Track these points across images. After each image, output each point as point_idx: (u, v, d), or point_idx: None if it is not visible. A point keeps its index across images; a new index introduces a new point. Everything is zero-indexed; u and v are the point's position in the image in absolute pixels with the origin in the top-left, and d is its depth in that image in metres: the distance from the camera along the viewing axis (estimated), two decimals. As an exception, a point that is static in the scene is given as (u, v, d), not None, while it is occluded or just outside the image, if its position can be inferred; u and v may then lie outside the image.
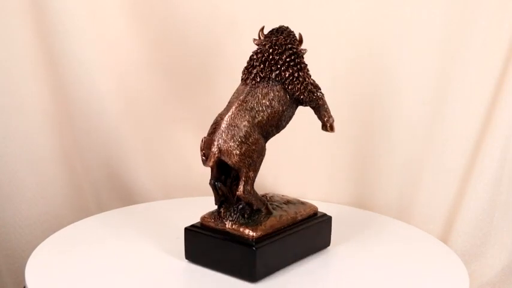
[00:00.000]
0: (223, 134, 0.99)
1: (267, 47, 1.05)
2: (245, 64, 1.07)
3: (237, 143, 0.99)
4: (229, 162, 0.99)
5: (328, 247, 1.15)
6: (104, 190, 1.53)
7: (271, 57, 1.04)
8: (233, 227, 1.02)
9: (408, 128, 1.43)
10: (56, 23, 1.38)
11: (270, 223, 1.04)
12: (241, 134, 0.99)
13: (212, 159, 0.99)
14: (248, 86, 1.04)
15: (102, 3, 1.43)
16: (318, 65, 1.43)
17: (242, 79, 1.07)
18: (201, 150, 0.99)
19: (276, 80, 1.04)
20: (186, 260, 1.06)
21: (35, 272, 1.02)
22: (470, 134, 1.39)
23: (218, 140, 0.99)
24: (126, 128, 1.49)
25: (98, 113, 1.46)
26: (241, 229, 1.01)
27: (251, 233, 1.00)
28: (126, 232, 1.21)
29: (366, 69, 1.42)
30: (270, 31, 1.07)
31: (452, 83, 1.39)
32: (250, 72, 1.05)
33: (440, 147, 1.42)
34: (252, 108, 1.02)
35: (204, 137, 1.00)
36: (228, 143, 0.98)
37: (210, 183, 1.03)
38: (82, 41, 1.41)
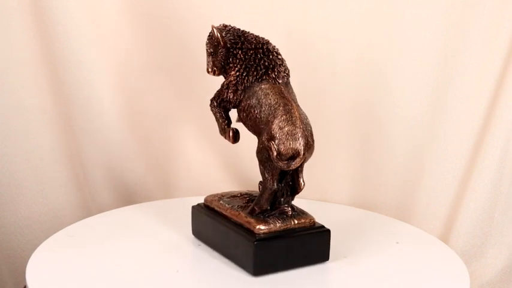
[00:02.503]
0: (310, 135, 1.03)
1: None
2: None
3: (313, 139, 1.04)
4: (305, 161, 1.03)
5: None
6: (104, 190, 1.53)
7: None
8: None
9: (408, 128, 1.43)
10: (56, 23, 1.38)
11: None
12: (312, 131, 1.04)
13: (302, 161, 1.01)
14: (282, 86, 1.07)
15: (102, 3, 1.43)
16: (318, 65, 1.44)
17: (272, 78, 1.07)
18: (303, 155, 0.99)
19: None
20: (186, 261, 1.06)
21: (36, 271, 1.02)
22: (470, 134, 1.40)
23: (310, 141, 1.03)
24: (126, 128, 1.50)
25: (98, 113, 1.46)
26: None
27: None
28: (126, 232, 1.21)
29: (366, 69, 1.42)
30: (241, 31, 1.09)
31: (452, 83, 1.39)
32: (279, 71, 1.08)
33: (441, 148, 1.42)
34: (298, 106, 1.06)
35: (309, 143, 1.01)
36: (313, 144, 1.04)
37: (275, 187, 1.03)
38: (82, 41, 1.41)
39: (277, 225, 1.03)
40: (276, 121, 1.00)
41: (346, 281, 1.03)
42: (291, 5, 1.41)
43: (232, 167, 1.54)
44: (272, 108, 1.02)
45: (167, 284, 1.01)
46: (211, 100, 1.10)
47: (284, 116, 1.00)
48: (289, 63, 1.45)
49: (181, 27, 1.44)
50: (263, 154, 1.01)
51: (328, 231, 1.06)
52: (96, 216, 1.32)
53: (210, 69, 1.10)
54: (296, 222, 1.05)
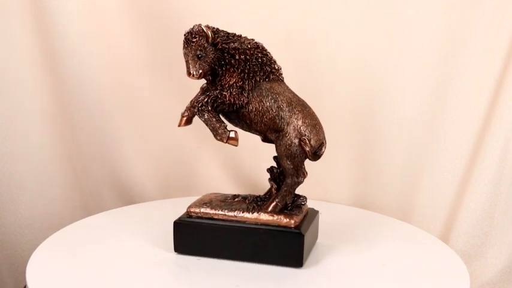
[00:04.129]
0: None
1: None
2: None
3: None
4: None
5: (329, 246, 1.15)
6: (104, 190, 1.53)
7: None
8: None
9: (408, 128, 1.43)
10: (56, 23, 1.38)
11: None
12: None
13: None
14: (282, 83, 1.09)
15: (102, 3, 1.43)
16: (318, 65, 1.44)
17: (276, 75, 1.08)
18: (325, 143, 1.08)
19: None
20: (186, 261, 1.07)
21: (36, 271, 1.02)
22: (470, 134, 1.40)
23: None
24: (126, 127, 1.50)
25: (98, 112, 1.46)
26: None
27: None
28: (126, 232, 1.21)
29: (366, 69, 1.42)
30: (227, 33, 1.06)
31: (452, 83, 1.39)
32: (278, 68, 1.09)
33: (441, 148, 1.42)
34: None
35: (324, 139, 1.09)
36: None
37: (302, 181, 1.09)
38: (82, 40, 1.41)
39: (300, 217, 1.08)
40: (299, 117, 1.06)
41: (346, 280, 1.03)
42: (291, 5, 1.42)
43: (232, 167, 1.54)
44: (291, 105, 1.06)
45: (168, 284, 1.01)
46: (200, 106, 1.04)
47: (304, 111, 1.07)
48: (289, 63, 1.45)
49: (181, 27, 1.43)
50: (292, 150, 1.05)
51: (317, 211, 1.17)
52: (95, 216, 1.32)
53: (195, 73, 1.02)
54: (307, 211, 1.13)
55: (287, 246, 1.05)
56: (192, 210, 1.10)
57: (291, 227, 1.05)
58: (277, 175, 1.12)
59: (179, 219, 1.10)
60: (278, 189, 1.11)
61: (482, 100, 1.38)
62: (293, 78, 1.45)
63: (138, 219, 1.28)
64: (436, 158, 1.43)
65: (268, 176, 1.13)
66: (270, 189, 1.14)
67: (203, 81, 1.10)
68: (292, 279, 1.02)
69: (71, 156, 1.50)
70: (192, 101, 1.08)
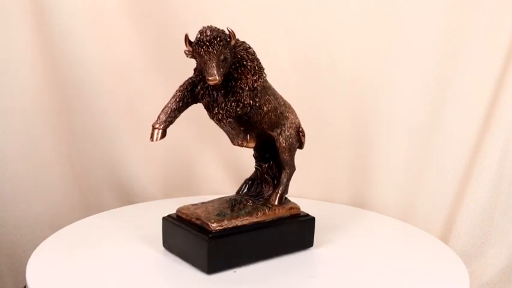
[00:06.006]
0: None
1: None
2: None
3: None
4: None
5: (329, 246, 1.15)
6: (104, 190, 1.53)
7: None
8: None
9: (408, 128, 1.43)
10: (56, 23, 1.38)
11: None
12: None
13: None
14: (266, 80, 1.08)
15: (102, 3, 1.43)
16: (318, 65, 1.44)
17: (265, 77, 1.06)
18: None
19: None
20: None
21: (36, 271, 1.02)
22: (470, 134, 1.40)
23: None
24: (126, 127, 1.50)
25: (98, 112, 1.46)
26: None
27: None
28: (126, 232, 1.21)
29: (366, 69, 1.42)
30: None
31: (452, 83, 1.39)
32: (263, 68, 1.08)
33: (441, 148, 1.42)
34: None
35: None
36: None
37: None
38: (82, 41, 1.41)
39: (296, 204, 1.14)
40: (291, 110, 1.12)
41: (346, 280, 1.03)
42: (291, 5, 1.41)
43: (232, 167, 1.54)
44: (283, 101, 1.11)
45: (168, 284, 1.01)
46: (226, 113, 1.00)
47: (288, 104, 1.12)
48: (289, 63, 1.46)
49: (181, 27, 1.44)
50: (292, 143, 1.11)
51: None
52: (95, 216, 1.32)
53: (220, 77, 0.96)
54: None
55: (302, 231, 1.12)
56: (213, 225, 1.03)
57: (299, 213, 1.13)
58: (265, 170, 1.15)
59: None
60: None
61: (482, 100, 1.38)
62: (293, 79, 1.45)
63: (138, 219, 1.28)
64: (436, 158, 1.43)
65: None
66: (241, 187, 1.16)
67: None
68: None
69: (70, 156, 1.50)
70: (166, 109, 1.02)
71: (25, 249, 1.42)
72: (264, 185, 1.15)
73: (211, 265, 1.01)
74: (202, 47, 0.97)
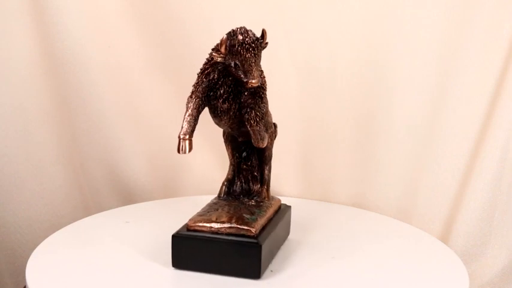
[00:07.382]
0: None
1: None
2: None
3: None
4: None
5: (329, 246, 1.15)
6: (104, 190, 1.53)
7: None
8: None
9: (408, 128, 1.43)
10: (56, 23, 1.38)
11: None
12: None
13: None
14: None
15: (102, 3, 1.43)
16: (318, 65, 1.44)
17: None
18: None
19: None
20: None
21: (36, 271, 1.02)
22: (470, 134, 1.40)
23: None
24: (125, 127, 1.50)
25: (98, 112, 1.46)
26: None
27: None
28: (125, 232, 1.21)
29: (366, 69, 1.42)
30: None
31: (452, 83, 1.39)
32: None
33: (441, 148, 1.42)
34: None
35: None
36: None
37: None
38: (82, 41, 1.41)
39: None
40: (267, 107, 1.08)
41: (346, 280, 1.03)
42: (291, 4, 1.41)
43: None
44: None
45: (167, 284, 1.01)
46: (259, 119, 0.99)
47: None
48: (289, 63, 1.46)
49: (182, 27, 1.44)
50: (273, 138, 1.13)
51: None
52: (95, 216, 1.32)
53: (260, 80, 0.95)
54: None
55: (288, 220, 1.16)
56: (253, 230, 1.00)
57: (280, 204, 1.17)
58: (249, 168, 1.16)
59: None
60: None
61: (482, 100, 1.38)
62: (293, 79, 1.45)
63: (138, 219, 1.28)
64: (436, 158, 1.43)
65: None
66: (221, 189, 1.17)
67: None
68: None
69: (70, 156, 1.50)
70: (188, 118, 0.98)
71: (25, 249, 1.42)
72: (251, 183, 1.16)
73: (261, 269, 0.99)
74: (247, 49, 0.94)
